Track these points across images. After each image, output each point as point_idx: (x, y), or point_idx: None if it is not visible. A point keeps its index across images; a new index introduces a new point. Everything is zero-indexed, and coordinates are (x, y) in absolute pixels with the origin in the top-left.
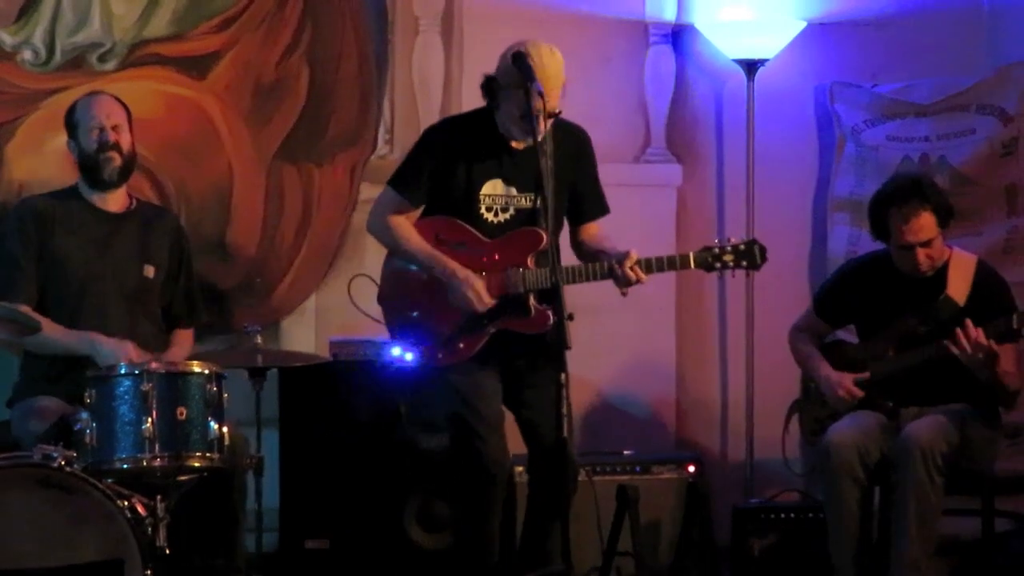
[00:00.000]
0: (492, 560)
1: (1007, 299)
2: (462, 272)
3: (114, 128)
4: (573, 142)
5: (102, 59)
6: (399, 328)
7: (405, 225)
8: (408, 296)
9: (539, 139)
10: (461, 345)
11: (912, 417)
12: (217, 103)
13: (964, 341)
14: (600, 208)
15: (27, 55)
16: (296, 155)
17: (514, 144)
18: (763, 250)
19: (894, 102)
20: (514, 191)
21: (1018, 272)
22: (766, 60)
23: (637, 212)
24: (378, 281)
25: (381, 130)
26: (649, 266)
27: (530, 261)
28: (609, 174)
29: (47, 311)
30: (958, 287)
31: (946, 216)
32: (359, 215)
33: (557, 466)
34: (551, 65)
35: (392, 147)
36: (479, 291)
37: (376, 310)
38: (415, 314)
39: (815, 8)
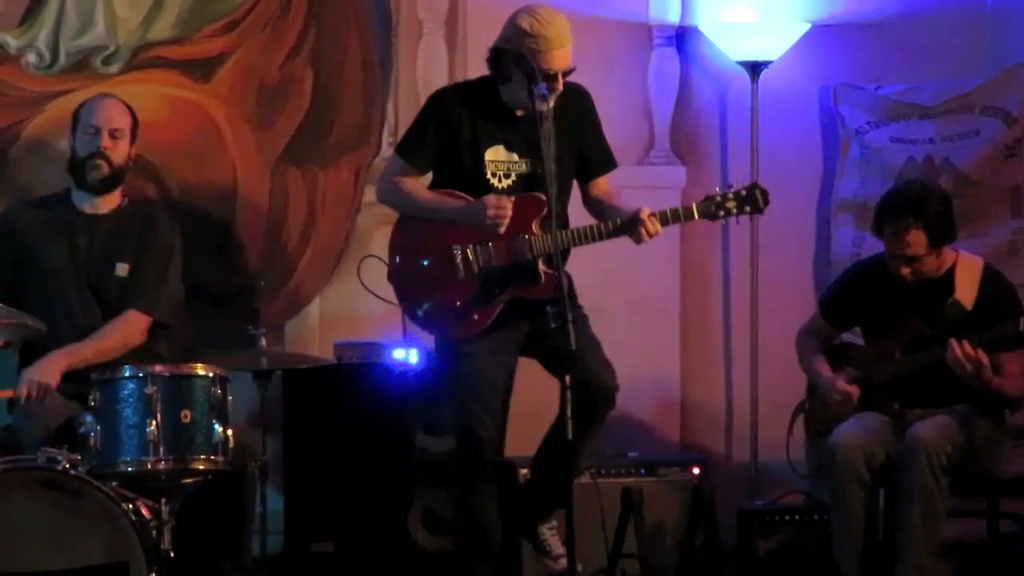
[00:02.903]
0: (492, 550)
1: (1014, 302)
2: (468, 201)
3: (112, 133)
4: (576, 103)
5: (106, 62)
6: (411, 303)
7: (412, 182)
8: (419, 271)
9: (546, 119)
10: (475, 316)
11: (917, 419)
12: (221, 106)
13: (957, 353)
14: (607, 163)
15: (31, 58)
16: (300, 158)
17: (518, 112)
18: (764, 193)
19: (898, 104)
20: (515, 156)
21: (1022, 273)
22: (770, 62)
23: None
24: (386, 261)
25: (385, 133)
26: (664, 218)
27: (535, 227)
28: (613, 176)
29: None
30: (965, 290)
31: (941, 237)
32: (364, 218)
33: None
34: (554, 34)
35: None
36: (495, 203)
37: (386, 292)
38: (426, 289)
39: (819, 10)
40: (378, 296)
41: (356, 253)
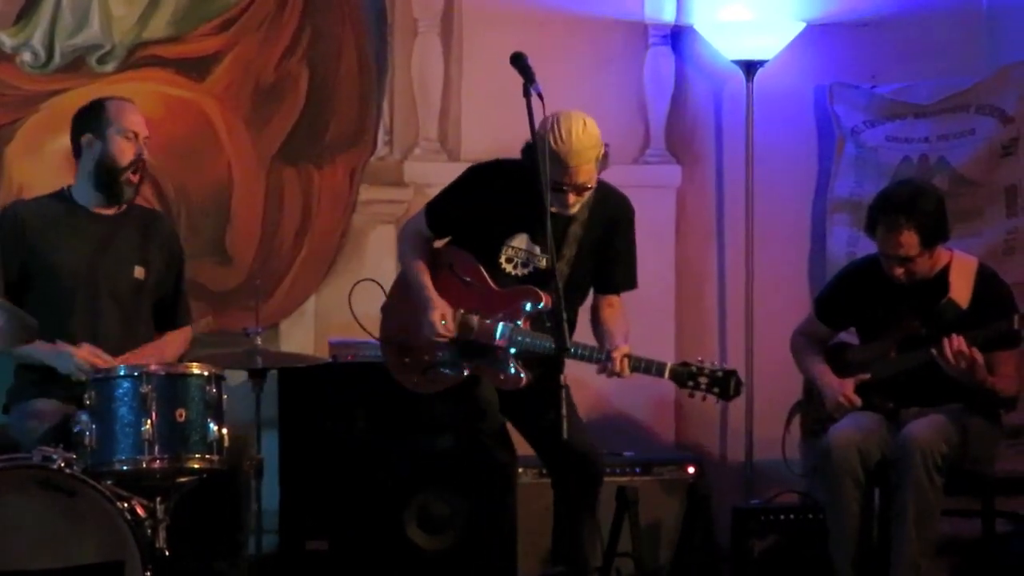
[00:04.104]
0: (495, 558)
1: (1009, 301)
2: (433, 298)
3: (145, 142)
4: (611, 213)
5: (101, 61)
6: (388, 342)
7: (419, 244)
8: (405, 315)
9: (567, 213)
10: (437, 378)
11: (912, 418)
12: (217, 105)
13: (948, 351)
14: (624, 283)
15: (26, 57)
16: (296, 157)
17: (552, 208)
18: (739, 384)
19: (893, 103)
20: (537, 250)
21: (1018, 273)
22: (765, 61)
23: (636, 213)
24: (386, 288)
25: (380, 132)
26: (636, 365)
27: (525, 322)
28: (608, 175)
29: (37, 317)
30: (960, 290)
31: (934, 237)
32: (359, 217)
33: (571, 463)
34: (571, 144)
35: (391, 149)
36: (437, 319)
37: (373, 317)
38: (406, 334)
39: (814, 9)
40: (363, 326)
41: (351, 252)
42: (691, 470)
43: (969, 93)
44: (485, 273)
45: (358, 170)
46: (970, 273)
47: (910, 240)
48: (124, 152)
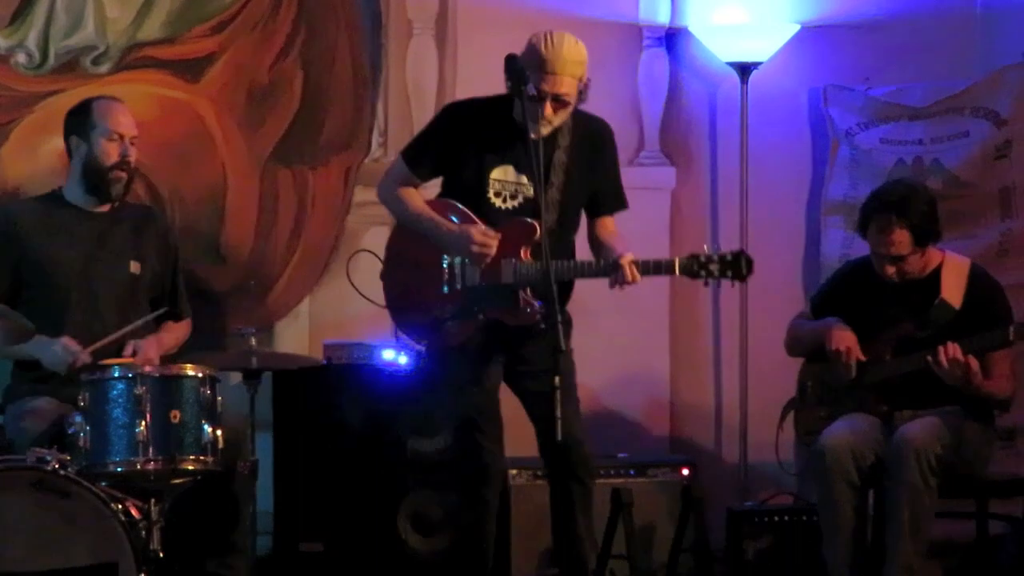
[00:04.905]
0: (488, 562)
1: (1001, 302)
2: (459, 227)
3: (132, 141)
4: (592, 135)
5: (96, 62)
6: (396, 307)
7: (412, 193)
8: (408, 276)
9: (539, 134)
10: (452, 330)
11: (906, 420)
12: (211, 106)
13: (943, 359)
14: (615, 203)
15: (21, 58)
16: (290, 158)
17: (532, 135)
18: (750, 262)
19: (888, 105)
20: (524, 179)
21: (1012, 275)
22: (760, 63)
23: (631, 215)
24: (382, 258)
25: (375, 133)
26: (645, 268)
27: (524, 253)
28: None
29: (32, 317)
30: (952, 291)
31: (926, 237)
32: (353, 218)
33: (567, 461)
34: (558, 50)
35: (386, 150)
36: (480, 238)
37: (373, 290)
38: (412, 295)
39: (808, 11)
40: (363, 295)
41: (346, 254)
42: (685, 472)
43: (963, 95)
44: (475, 217)
45: (353, 171)
46: (962, 273)
47: (902, 239)
48: (108, 154)
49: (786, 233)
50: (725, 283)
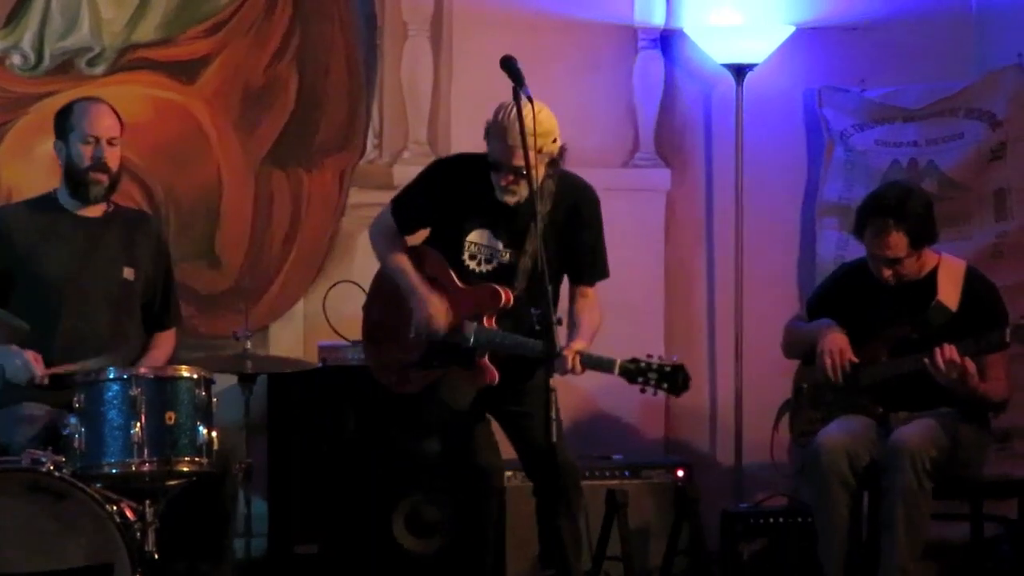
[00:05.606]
0: (486, 565)
1: (997, 304)
2: (425, 293)
3: (109, 142)
4: (574, 204)
5: (91, 63)
6: (366, 342)
7: (393, 239)
8: (382, 314)
9: (509, 201)
10: (411, 378)
11: (902, 422)
12: (206, 108)
13: (940, 361)
14: (593, 273)
15: (16, 59)
16: (285, 160)
17: (507, 198)
18: (687, 379)
19: (883, 106)
20: (500, 245)
21: (1007, 276)
22: (755, 65)
23: (626, 217)
24: (365, 288)
25: (370, 135)
26: (588, 361)
27: (488, 320)
28: (598, 179)
29: (24, 322)
30: (948, 293)
31: (922, 239)
32: (348, 220)
33: (551, 469)
34: (515, 121)
35: (381, 152)
36: (433, 314)
37: (351, 318)
38: (382, 334)
39: (804, 13)
40: (335, 330)
41: (340, 255)
42: (680, 473)
43: (958, 97)
44: (452, 273)
45: (347, 173)
46: (959, 275)
47: (898, 241)
48: (83, 156)
49: (781, 234)
50: (721, 284)
